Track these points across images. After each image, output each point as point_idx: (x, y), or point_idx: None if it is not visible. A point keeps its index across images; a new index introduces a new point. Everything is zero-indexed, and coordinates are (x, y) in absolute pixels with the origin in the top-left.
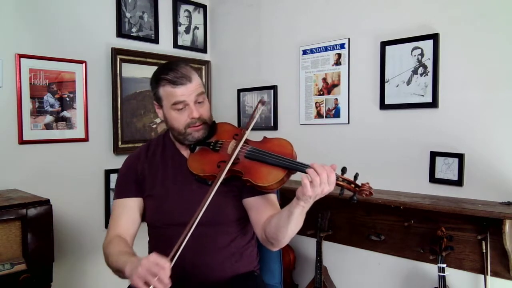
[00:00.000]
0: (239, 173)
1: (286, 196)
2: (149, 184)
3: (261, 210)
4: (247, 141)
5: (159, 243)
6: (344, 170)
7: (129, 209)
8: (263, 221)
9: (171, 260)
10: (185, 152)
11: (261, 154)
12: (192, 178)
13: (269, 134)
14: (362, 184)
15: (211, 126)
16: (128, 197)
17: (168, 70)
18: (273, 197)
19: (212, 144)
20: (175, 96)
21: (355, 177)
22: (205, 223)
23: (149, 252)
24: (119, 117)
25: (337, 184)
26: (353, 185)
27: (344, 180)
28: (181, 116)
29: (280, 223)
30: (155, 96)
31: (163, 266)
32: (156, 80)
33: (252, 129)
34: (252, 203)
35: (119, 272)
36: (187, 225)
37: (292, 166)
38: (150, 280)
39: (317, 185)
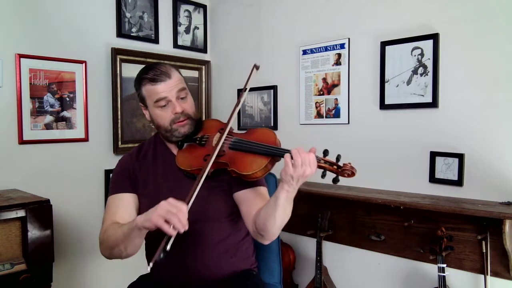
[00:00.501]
0: (225, 164)
1: None
2: (141, 183)
3: (251, 203)
4: (231, 133)
5: (154, 241)
6: (326, 152)
7: (126, 203)
8: (253, 214)
9: (187, 204)
10: (175, 150)
11: (244, 144)
12: (182, 175)
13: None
14: (344, 164)
15: (197, 122)
16: (124, 192)
17: (148, 69)
18: (264, 190)
19: (198, 139)
20: (157, 93)
21: (337, 158)
22: (194, 220)
23: (146, 251)
24: (119, 117)
25: (319, 167)
26: (335, 167)
27: (326, 162)
28: (165, 113)
29: (268, 211)
30: (140, 97)
31: (181, 208)
32: (138, 81)
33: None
34: (242, 196)
35: (125, 240)
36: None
37: (275, 152)
38: (171, 218)
39: (299, 165)
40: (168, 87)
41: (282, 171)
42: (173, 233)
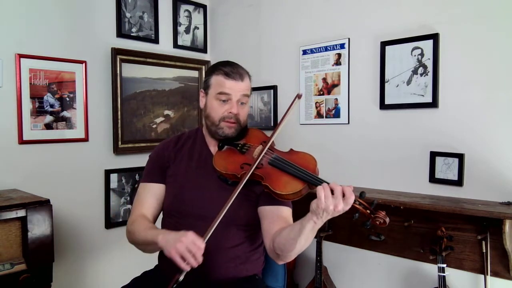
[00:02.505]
0: (260, 177)
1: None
2: (172, 172)
3: (274, 220)
4: (273, 149)
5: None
6: (362, 194)
7: (153, 194)
8: (274, 232)
9: (204, 239)
10: (213, 149)
11: (284, 163)
12: (214, 175)
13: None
14: (378, 211)
15: (242, 129)
16: (153, 182)
17: (227, 64)
18: (288, 211)
19: (239, 145)
20: (224, 86)
21: (372, 202)
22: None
23: (159, 252)
24: (119, 117)
25: (353, 207)
26: (368, 211)
27: (361, 204)
28: (220, 107)
29: (290, 235)
30: (205, 83)
31: (200, 246)
32: (213, 69)
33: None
34: (266, 211)
35: (147, 245)
36: (219, 213)
37: (312, 180)
38: (188, 257)
39: (329, 199)
40: (236, 87)
41: (313, 202)
42: (187, 269)
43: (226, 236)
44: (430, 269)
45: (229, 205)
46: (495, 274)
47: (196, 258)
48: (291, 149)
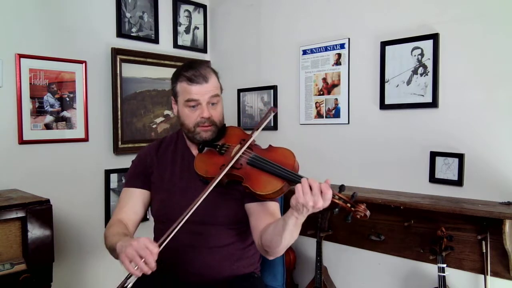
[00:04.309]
0: (239, 178)
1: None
2: (157, 178)
3: (260, 216)
4: (252, 148)
5: (161, 237)
6: (342, 188)
7: (134, 199)
8: (261, 228)
9: (160, 246)
10: (195, 151)
11: (262, 162)
12: (198, 177)
13: (269, 134)
14: (358, 205)
15: (220, 129)
16: (135, 187)
17: (189, 68)
18: (274, 205)
19: (218, 146)
20: (190, 93)
21: (353, 196)
22: (201, 221)
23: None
24: (119, 117)
25: (332, 202)
26: (349, 205)
27: (340, 198)
28: (192, 114)
29: (275, 232)
30: (173, 91)
31: (152, 250)
32: (176, 76)
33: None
34: (252, 209)
35: (113, 252)
36: (180, 217)
37: (291, 177)
38: (138, 261)
39: (308, 194)
40: (202, 91)
41: (293, 198)
42: (137, 274)
43: (216, 236)
44: (430, 269)
45: (195, 207)
46: (495, 274)
47: (148, 263)
48: (270, 145)
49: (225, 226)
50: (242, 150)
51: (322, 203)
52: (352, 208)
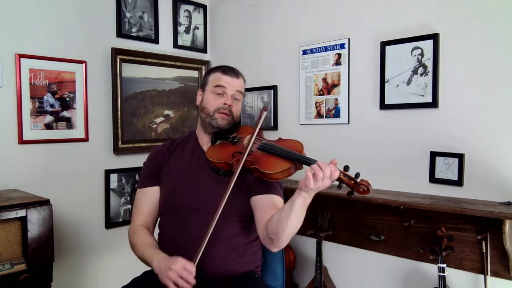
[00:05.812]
0: (250, 163)
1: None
2: (166, 171)
3: (266, 209)
4: (261, 137)
5: (168, 228)
6: (346, 168)
7: (150, 198)
8: (266, 221)
9: (194, 262)
10: (206, 147)
11: (271, 147)
12: (206, 169)
13: (270, 134)
14: (362, 180)
15: (235, 124)
16: (149, 186)
17: (224, 66)
18: (279, 200)
19: (231, 138)
20: (220, 80)
21: (357, 175)
22: (210, 211)
23: (159, 236)
24: (119, 117)
25: (338, 178)
26: (352, 181)
27: (345, 175)
28: (216, 100)
29: (281, 215)
30: (203, 81)
31: (190, 270)
32: (211, 70)
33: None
34: (258, 201)
35: (144, 262)
36: (210, 218)
37: (299, 159)
38: (181, 283)
39: (320, 179)
40: (232, 83)
41: (302, 182)
42: None
43: (221, 227)
44: (430, 269)
45: (227, 196)
46: (495, 274)
47: (189, 282)
48: (280, 138)
49: (232, 217)
50: (254, 136)
51: (329, 182)
52: (355, 184)
